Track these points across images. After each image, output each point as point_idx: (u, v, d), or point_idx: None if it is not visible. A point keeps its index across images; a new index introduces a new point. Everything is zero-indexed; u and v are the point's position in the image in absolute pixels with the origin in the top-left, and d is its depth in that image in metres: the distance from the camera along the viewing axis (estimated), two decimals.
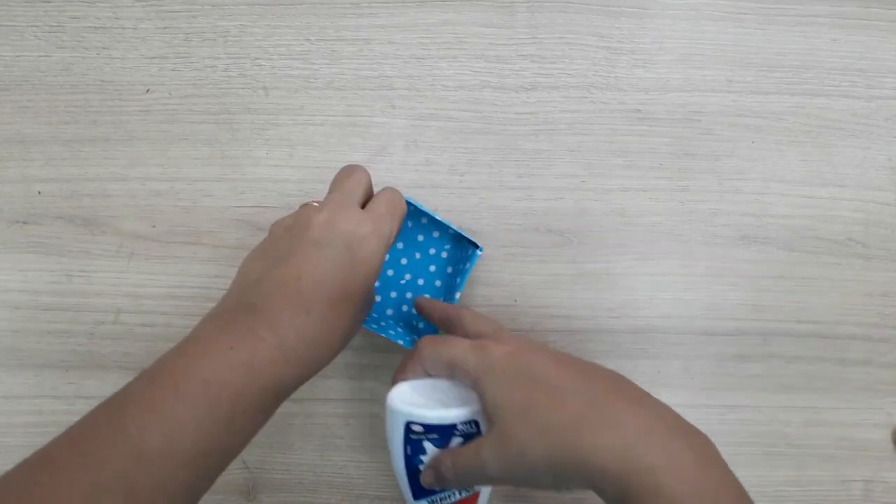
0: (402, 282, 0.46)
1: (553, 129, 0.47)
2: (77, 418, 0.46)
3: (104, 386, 0.46)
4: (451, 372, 0.36)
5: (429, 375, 0.38)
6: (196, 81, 0.47)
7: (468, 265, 0.43)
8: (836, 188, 0.48)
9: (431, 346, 0.37)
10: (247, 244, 0.47)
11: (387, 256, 0.46)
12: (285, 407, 0.47)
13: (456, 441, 0.36)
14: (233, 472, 0.47)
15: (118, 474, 0.26)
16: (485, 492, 0.39)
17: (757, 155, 0.48)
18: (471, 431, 0.36)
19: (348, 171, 0.38)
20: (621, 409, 0.31)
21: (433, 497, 0.37)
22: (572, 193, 0.47)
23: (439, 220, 0.43)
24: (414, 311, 0.44)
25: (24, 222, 0.47)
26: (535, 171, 0.47)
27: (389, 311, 0.47)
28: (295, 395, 0.47)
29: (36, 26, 0.48)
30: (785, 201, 0.48)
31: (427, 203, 0.47)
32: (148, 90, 0.48)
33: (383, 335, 0.42)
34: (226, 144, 0.47)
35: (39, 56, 0.48)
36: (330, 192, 0.38)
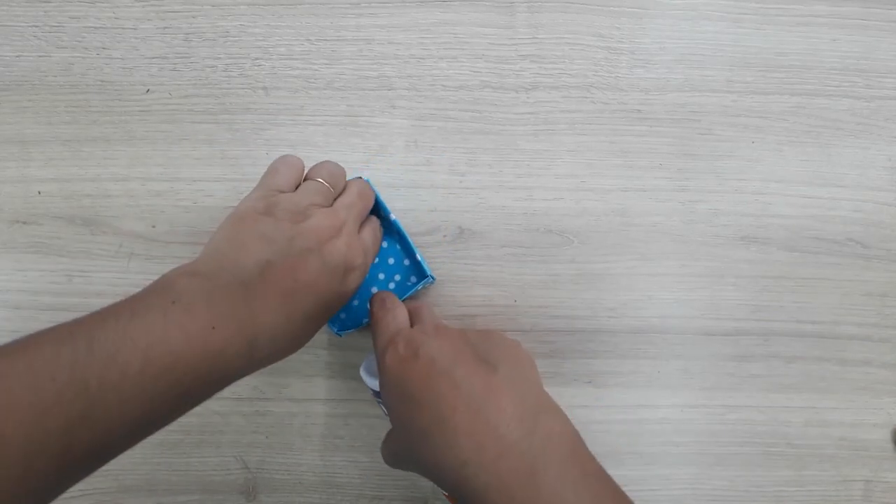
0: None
1: (553, 129, 0.47)
2: None
3: None
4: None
5: None
6: (196, 81, 0.47)
7: (417, 285, 0.45)
8: (836, 188, 0.48)
9: (381, 310, 0.39)
10: None
11: None
12: (285, 407, 0.48)
13: None
14: (233, 473, 0.47)
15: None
16: None
17: (757, 155, 0.48)
18: None
19: (351, 183, 0.40)
20: (459, 424, 0.31)
21: None
22: (572, 193, 0.47)
23: (408, 241, 0.44)
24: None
25: (24, 222, 0.47)
26: (535, 171, 0.47)
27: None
28: (295, 395, 0.48)
29: (36, 26, 0.48)
30: (785, 201, 0.48)
31: (427, 203, 0.47)
32: (148, 90, 0.48)
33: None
34: (226, 144, 0.47)
35: (40, 56, 0.48)
36: (342, 195, 0.39)
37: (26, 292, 0.47)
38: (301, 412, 0.48)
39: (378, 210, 0.43)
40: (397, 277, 0.46)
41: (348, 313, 0.45)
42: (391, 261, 0.45)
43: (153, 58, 0.48)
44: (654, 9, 0.48)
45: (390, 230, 0.45)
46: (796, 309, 0.48)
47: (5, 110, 0.48)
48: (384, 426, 0.46)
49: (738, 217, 0.48)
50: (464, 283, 0.47)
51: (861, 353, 0.48)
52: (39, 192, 0.47)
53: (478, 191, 0.47)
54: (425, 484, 0.48)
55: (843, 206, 0.48)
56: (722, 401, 0.48)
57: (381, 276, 0.46)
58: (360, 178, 0.42)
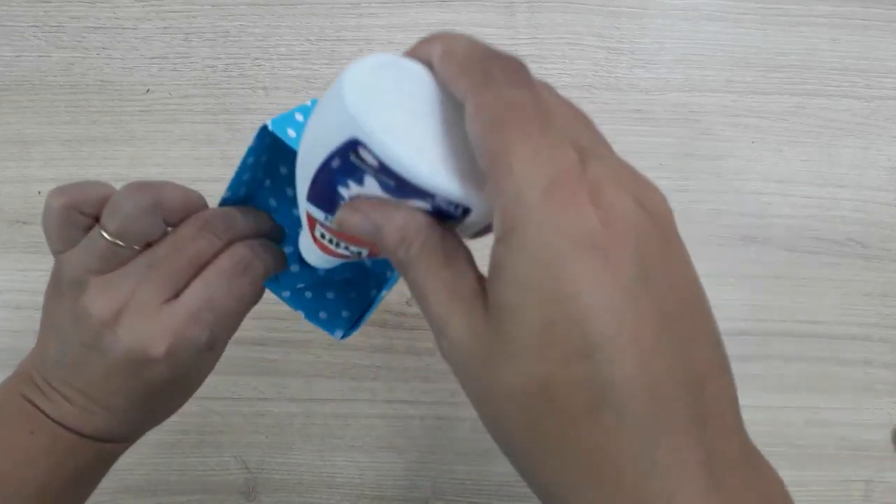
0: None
1: None
2: None
3: None
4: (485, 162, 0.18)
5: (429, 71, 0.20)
6: (196, 81, 0.47)
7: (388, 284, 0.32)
8: (836, 188, 0.48)
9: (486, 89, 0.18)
10: None
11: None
12: (285, 407, 0.48)
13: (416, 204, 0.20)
14: (233, 473, 0.47)
15: None
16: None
17: (757, 155, 0.48)
18: (449, 212, 0.20)
19: (144, 204, 0.27)
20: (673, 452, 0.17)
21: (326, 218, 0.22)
22: None
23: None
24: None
25: (24, 222, 0.47)
26: None
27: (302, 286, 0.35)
28: (295, 395, 0.47)
29: (36, 26, 0.48)
30: (785, 201, 0.48)
31: None
32: (148, 90, 0.48)
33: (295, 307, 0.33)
34: (226, 144, 0.47)
35: (40, 56, 0.48)
36: (161, 245, 0.28)
37: (26, 292, 0.47)
38: (301, 412, 0.48)
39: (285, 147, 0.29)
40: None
41: (331, 309, 0.34)
42: None
43: (153, 58, 0.48)
44: (654, 9, 0.48)
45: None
46: (796, 309, 0.48)
47: (5, 110, 0.48)
48: (384, 426, 0.46)
49: (738, 217, 0.48)
50: None
51: (861, 353, 0.48)
52: (39, 192, 0.47)
53: None
54: (425, 484, 0.48)
55: (843, 206, 0.48)
56: None
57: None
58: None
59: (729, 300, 0.47)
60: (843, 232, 0.48)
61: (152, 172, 0.47)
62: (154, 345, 0.26)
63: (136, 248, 0.27)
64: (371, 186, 0.20)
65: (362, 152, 0.19)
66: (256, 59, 0.47)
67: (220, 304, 0.27)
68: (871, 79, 0.48)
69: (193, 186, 0.47)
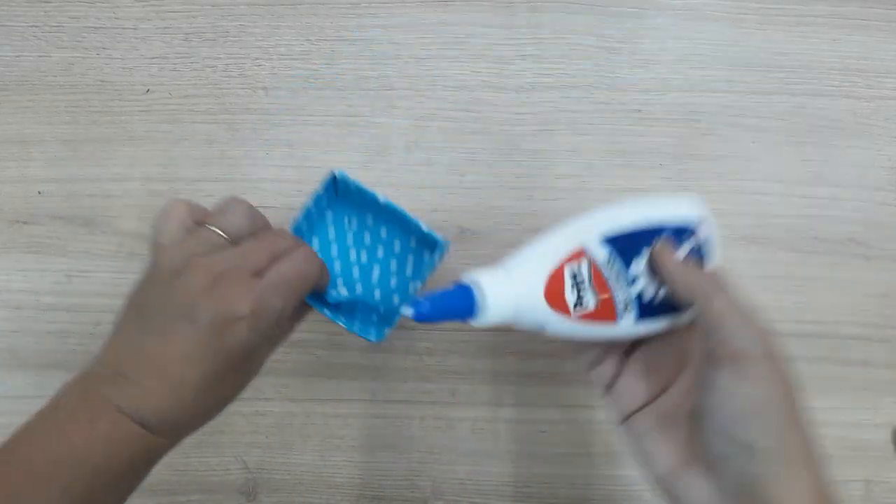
0: (373, 279, 0.43)
1: (553, 129, 0.47)
2: None
3: None
4: (698, 302, 0.30)
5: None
6: (196, 81, 0.47)
7: (435, 256, 0.40)
8: (836, 188, 0.48)
9: (692, 265, 0.31)
10: None
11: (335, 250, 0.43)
12: (285, 407, 0.48)
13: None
14: (233, 473, 0.47)
15: None
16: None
17: (757, 155, 0.48)
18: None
19: (243, 211, 0.35)
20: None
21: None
22: (572, 193, 0.47)
23: (407, 218, 0.40)
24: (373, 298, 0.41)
25: (24, 222, 0.47)
26: (535, 171, 0.47)
27: (342, 292, 0.43)
28: (295, 395, 0.48)
29: (36, 26, 0.48)
30: (785, 201, 0.48)
31: (427, 203, 0.47)
32: (148, 90, 0.48)
33: (348, 328, 0.40)
34: (226, 144, 0.47)
35: (40, 56, 0.48)
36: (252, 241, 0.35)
37: (26, 292, 0.47)
38: (301, 412, 0.48)
39: (366, 200, 0.40)
40: (411, 259, 0.43)
41: (363, 314, 0.42)
42: (397, 246, 0.43)
43: (153, 58, 0.48)
44: (654, 9, 0.48)
45: (386, 216, 0.42)
46: (796, 309, 0.48)
47: (5, 110, 0.48)
48: (384, 426, 0.47)
49: (738, 217, 0.48)
50: None
51: (861, 353, 0.48)
52: (39, 192, 0.47)
53: (478, 191, 0.47)
54: (425, 484, 0.48)
55: (843, 206, 0.48)
56: None
57: (394, 264, 0.43)
58: (305, 247, 0.37)
59: None
60: (843, 232, 0.48)
61: (152, 172, 0.47)
62: (241, 304, 0.31)
63: (230, 242, 0.34)
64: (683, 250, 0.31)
65: (702, 231, 0.31)
66: (256, 59, 0.47)
67: (293, 283, 0.34)
68: (871, 79, 0.48)
69: (193, 186, 0.47)
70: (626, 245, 0.29)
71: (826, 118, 0.48)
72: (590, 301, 0.28)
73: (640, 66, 0.48)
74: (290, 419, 0.48)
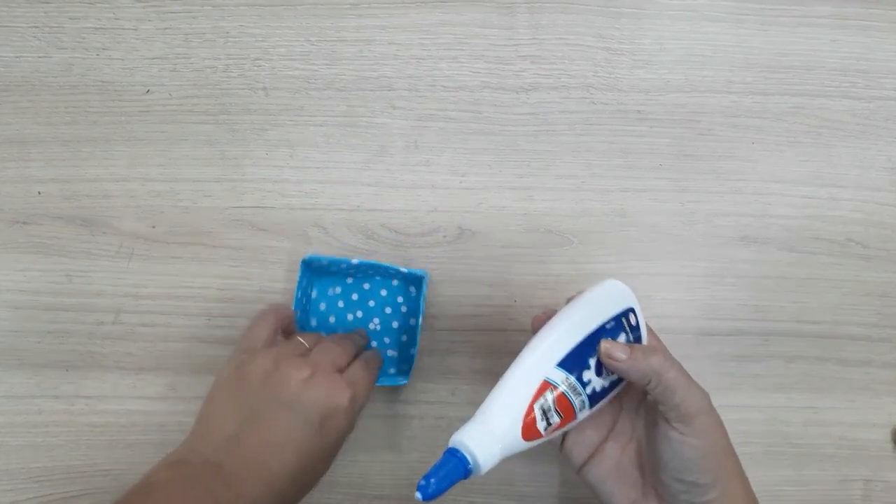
0: (377, 329, 0.47)
1: (553, 129, 0.47)
2: (77, 418, 0.47)
3: (104, 386, 0.46)
4: (653, 381, 0.34)
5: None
6: (196, 82, 0.47)
7: (423, 289, 0.44)
8: (836, 188, 0.48)
9: (639, 352, 0.34)
10: (246, 244, 0.47)
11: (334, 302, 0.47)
12: None
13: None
14: None
15: None
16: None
17: (757, 155, 0.48)
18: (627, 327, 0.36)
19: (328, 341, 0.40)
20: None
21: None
22: (572, 193, 0.47)
23: (382, 266, 0.44)
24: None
25: (24, 222, 0.47)
26: (535, 171, 0.47)
27: None
28: None
29: (36, 27, 0.48)
30: (785, 201, 0.48)
31: (427, 203, 0.47)
32: (148, 91, 0.48)
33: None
34: (226, 144, 0.47)
35: (40, 57, 0.48)
36: (316, 344, 0.39)
37: (26, 292, 0.47)
38: None
39: (341, 266, 0.44)
40: (401, 299, 0.47)
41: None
42: (385, 293, 0.47)
43: (153, 58, 0.48)
44: (653, 9, 0.48)
45: (363, 271, 0.46)
46: (796, 309, 0.48)
47: (5, 110, 0.48)
48: (384, 426, 0.47)
49: (738, 217, 0.48)
50: (464, 283, 0.47)
51: (861, 353, 0.48)
52: (39, 192, 0.47)
53: (478, 191, 0.47)
54: None
55: (843, 206, 0.48)
56: (722, 400, 0.47)
57: (388, 310, 0.47)
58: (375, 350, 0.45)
59: (729, 300, 0.47)
60: (843, 232, 0.48)
61: (152, 173, 0.47)
62: (341, 396, 0.35)
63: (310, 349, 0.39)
64: (621, 339, 0.35)
65: (631, 316, 0.36)
66: (256, 59, 0.48)
67: (368, 377, 0.39)
68: (871, 79, 0.48)
69: (193, 187, 0.47)
70: (576, 360, 0.34)
71: (826, 118, 0.48)
72: (555, 419, 0.33)
73: (640, 66, 0.48)
74: None
